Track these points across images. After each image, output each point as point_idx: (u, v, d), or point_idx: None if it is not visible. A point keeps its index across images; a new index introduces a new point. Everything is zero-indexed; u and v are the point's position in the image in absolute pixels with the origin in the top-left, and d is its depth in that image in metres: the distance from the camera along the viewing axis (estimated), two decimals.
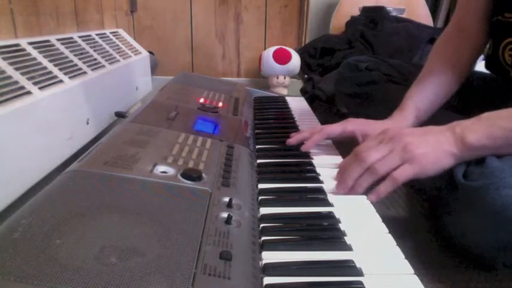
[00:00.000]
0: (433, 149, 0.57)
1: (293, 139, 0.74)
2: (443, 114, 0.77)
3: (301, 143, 0.73)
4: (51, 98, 0.85)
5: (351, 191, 0.58)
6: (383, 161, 0.57)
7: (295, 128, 0.86)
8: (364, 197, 0.58)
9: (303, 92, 1.53)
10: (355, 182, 0.58)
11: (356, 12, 1.89)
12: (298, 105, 1.10)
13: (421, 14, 1.90)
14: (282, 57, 1.89)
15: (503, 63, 0.77)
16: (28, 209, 0.40)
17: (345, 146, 0.72)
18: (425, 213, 0.76)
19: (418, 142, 0.57)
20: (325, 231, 0.48)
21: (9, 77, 0.78)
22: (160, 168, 0.52)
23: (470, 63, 0.81)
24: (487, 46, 0.83)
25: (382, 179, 0.57)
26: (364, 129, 0.72)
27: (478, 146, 0.56)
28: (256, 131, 0.85)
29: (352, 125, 0.73)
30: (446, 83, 0.78)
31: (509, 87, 0.77)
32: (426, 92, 0.76)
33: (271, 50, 1.92)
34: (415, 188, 0.84)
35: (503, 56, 0.76)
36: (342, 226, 0.49)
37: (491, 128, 0.56)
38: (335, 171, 0.64)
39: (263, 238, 0.45)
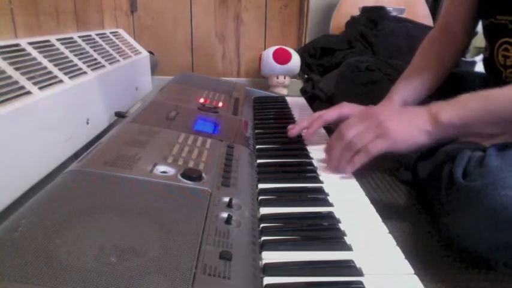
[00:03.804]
0: (406, 126, 0.62)
1: (294, 130, 0.77)
2: None
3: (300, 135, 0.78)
4: (51, 98, 0.85)
5: (337, 168, 0.65)
6: (359, 136, 0.63)
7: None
8: (365, 197, 0.58)
9: (303, 92, 1.53)
10: (338, 159, 0.64)
11: (356, 12, 1.89)
12: (298, 105, 1.10)
13: (421, 14, 1.90)
14: (282, 57, 1.89)
15: (498, 64, 0.78)
16: (28, 209, 0.40)
17: None
18: (425, 213, 0.76)
19: (392, 119, 0.63)
20: (325, 231, 0.48)
21: (9, 77, 0.78)
22: (160, 168, 0.52)
23: (453, 61, 0.88)
24: (485, 48, 0.84)
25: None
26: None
27: (448, 124, 0.60)
28: (256, 131, 0.85)
29: (348, 109, 0.77)
30: (431, 79, 0.84)
31: None
32: (412, 87, 0.83)
33: (271, 50, 1.91)
34: (415, 186, 0.84)
35: (497, 56, 0.77)
36: (342, 226, 0.49)
37: (462, 108, 0.60)
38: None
39: (263, 238, 0.46)
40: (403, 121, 0.63)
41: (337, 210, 0.52)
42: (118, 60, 1.36)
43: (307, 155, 0.72)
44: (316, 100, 1.42)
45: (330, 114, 0.77)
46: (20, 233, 0.35)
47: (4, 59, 0.80)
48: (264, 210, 0.52)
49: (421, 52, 0.88)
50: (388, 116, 0.64)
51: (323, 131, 0.84)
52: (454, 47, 0.86)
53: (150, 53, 1.81)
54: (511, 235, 0.52)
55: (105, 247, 0.35)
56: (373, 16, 1.79)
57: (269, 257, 0.43)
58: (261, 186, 0.59)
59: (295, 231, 0.48)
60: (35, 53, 0.92)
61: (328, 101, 1.39)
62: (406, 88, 0.82)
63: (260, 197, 0.55)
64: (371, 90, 0.98)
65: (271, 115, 0.98)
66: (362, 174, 0.64)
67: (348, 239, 0.46)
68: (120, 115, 0.95)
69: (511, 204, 0.51)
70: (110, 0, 1.66)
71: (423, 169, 0.72)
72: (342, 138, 0.64)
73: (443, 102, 0.63)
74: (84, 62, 1.12)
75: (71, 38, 1.17)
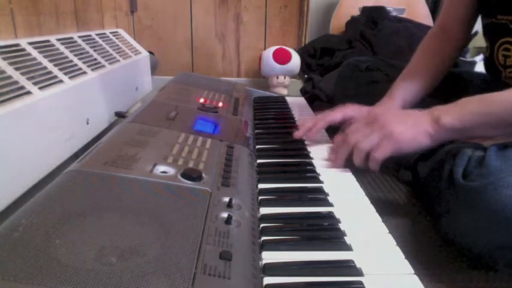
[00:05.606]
0: (410, 129, 0.64)
1: (300, 132, 0.78)
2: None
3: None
4: (51, 98, 0.85)
5: (337, 164, 0.68)
6: (365, 140, 0.65)
7: (295, 128, 0.86)
8: (365, 197, 0.58)
9: (303, 92, 1.53)
10: (344, 161, 0.68)
11: (356, 12, 1.89)
12: (298, 105, 1.10)
13: (421, 14, 1.90)
14: (282, 57, 1.89)
15: (497, 64, 0.78)
16: (28, 209, 0.40)
17: None
18: (425, 213, 0.76)
19: (396, 122, 0.64)
20: (325, 231, 0.48)
21: (9, 77, 0.78)
22: (160, 168, 0.52)
23: (452, 60, 0.90)
24: (485, 48, 0.85)
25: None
26: (363, 114, 0.77)
27: (449, 128, 0.62)
28: (256, 131, 0.85)
29: (352, 111, 0.78)
30: (429, 78, 0.85)
31: (503, 88, 0.78)
32: (411, 86, 0.84)
33: (271, 50, 1.91)
34: (415, 186, 0.84)
35: (497, 56, 0.77)
36: (342, 226, 0.49)
37: (462, 112, 0.62)
38: (335, 171, 0.64)
39: (263, 238, 0.46)
40: (407, 124, 0.64)
41: (337, 210, 0.52)
42: (118, 60, 1.36)
43: (307, 155, 0.72)
44: (316, 100, 1.42)
45: (334, 115, 0.78)
46: (20, 233, 0.35)
47: (4, 59, 0.80)
48: (264, 210, 0.52)
49: (420, 51, 0.89)
50: (391, 119, 0.65)
51: (325, 133, 0.84)
52: (452, 46, 0.87)
53: (150, 53, 1.81)
54: (510, 235, 0.52)
55: (105, 247, 0.35)
56: (373, 16, 1.79)
57: (269, 257, 0.43)
58: (261, 186, 0.59)
59: (295, 231, 0.48)
60: (35, 53, 0.92)
61: (328, 101, 1.39)
62: (405, 87, 0.84)
63: (260, 197, 0.55)
64: (371, 90, 0.98)
65: (271, 115, 0.98)
66: (362, 174, 0.64)
67: (348, 239, 0.46)
68: (120, 115, 0.95)
69: (511, 204, 0.51)
70: (109, 0, 1.66)
71: (423, 169, 0.72)
72: (348, 142, 0.66)
73: (445, 106, 0.63)
74: (84, 62, 1.12)
75: (71, 38, 1.17)
